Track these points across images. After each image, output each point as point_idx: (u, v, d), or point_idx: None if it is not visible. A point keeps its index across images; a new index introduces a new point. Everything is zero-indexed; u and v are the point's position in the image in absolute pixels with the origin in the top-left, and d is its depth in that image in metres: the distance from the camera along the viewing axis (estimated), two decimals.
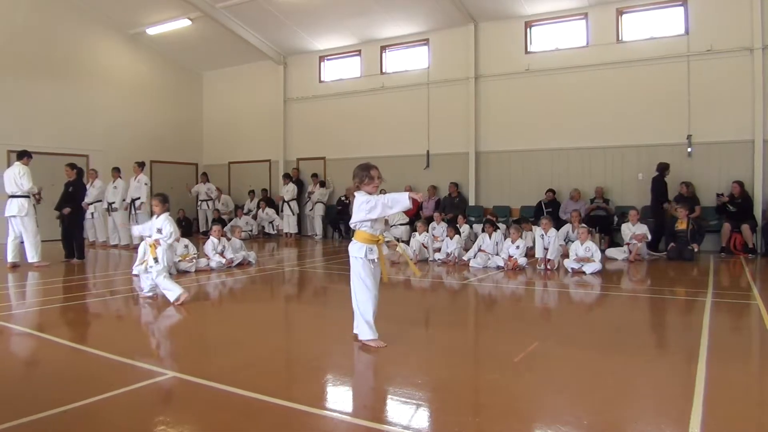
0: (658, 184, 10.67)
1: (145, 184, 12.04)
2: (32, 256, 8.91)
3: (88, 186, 12.23)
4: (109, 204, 12.45)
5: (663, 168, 10.67)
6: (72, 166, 10.07)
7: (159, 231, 5.80)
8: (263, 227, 15.46)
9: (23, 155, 9.17)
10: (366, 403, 3.06)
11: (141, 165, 12.26)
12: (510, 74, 12.85)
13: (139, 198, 11.96)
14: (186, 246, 8.46)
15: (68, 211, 9.74)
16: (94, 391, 3.10)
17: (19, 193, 8.93)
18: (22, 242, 9.00)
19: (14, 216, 8.93)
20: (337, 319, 5.43)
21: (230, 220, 14.98)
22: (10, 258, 8.86)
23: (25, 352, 4.26)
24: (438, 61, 13.82)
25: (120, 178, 12.49)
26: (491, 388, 3.28)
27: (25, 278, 7.96)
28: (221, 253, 8.65)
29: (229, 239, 9.07)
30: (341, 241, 14.03)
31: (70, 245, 9.78)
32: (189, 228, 14.87)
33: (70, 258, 9.68)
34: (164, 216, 5.84)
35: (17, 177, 8.89)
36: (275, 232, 15.17)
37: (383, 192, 4.53)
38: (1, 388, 3.28)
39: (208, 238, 9.08)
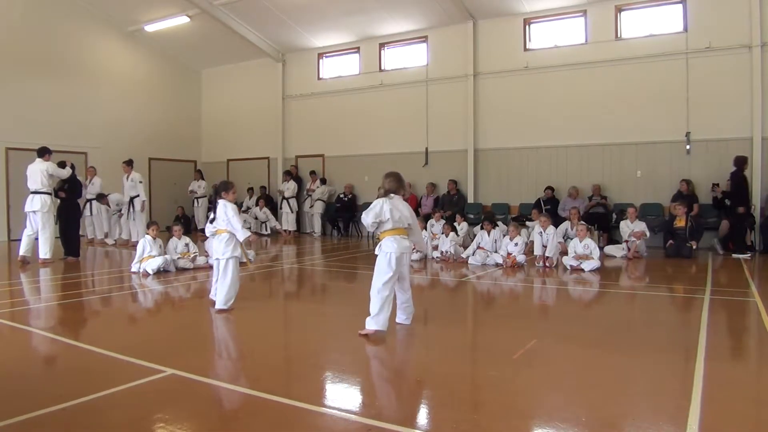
0: (739, 180, 9.82)
1: (140, 181, 11.77)
2: (45, 252, 8.94)
3: (87, 183, 12.26)
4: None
5: (742, 162, 9.79)
6: (63, 164, 10.04)
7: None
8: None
9: (44, 152, 9.22)
10: (365, 401, 3.06)
11: (129, 163, 11.97)
12: (509, 71, 12.84)
13: (138, 196, 11.68)
14: (186, 245, 8.45)
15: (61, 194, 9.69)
16: (93, 388, 3.10)
17: (42, 190, 9.01)
18: (37, 238, 9.03)
19: (35, 212, 8.99)
20: (337, 316, 5.44)
21: None
22: (22, 251, 8.90)
23: (24, 349, 4.26)
24: (437, 59, 13.81)
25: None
26: (490, 384, 3.29)
27: (30, 275, 7.96)
28: None
29: None
30: (340, 239, 14.04)
31: (67, 243, 9.78)
32: (188, 225, 14.86)
33: (69, 256, 9.67)
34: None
35: (44, 174, 9.00)
36: (268, 232, 15.03)
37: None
38: (1, 385, 3.28)
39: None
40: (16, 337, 4.54)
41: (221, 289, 5.24)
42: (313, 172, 15.24)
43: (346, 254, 10.66)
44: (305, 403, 2.90)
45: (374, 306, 4.26)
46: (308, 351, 4.10)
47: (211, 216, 5.37)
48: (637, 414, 2.78)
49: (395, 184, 4.57)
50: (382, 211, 4.40)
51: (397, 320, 4.62)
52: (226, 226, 5.27)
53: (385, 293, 4.27)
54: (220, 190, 5.43)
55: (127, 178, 11.86)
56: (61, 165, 9.80)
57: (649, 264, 8.96)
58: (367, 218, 4.43)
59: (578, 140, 12.10)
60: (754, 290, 6.25)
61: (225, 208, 5.27)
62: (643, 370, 3.51)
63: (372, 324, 4.25)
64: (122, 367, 3.55)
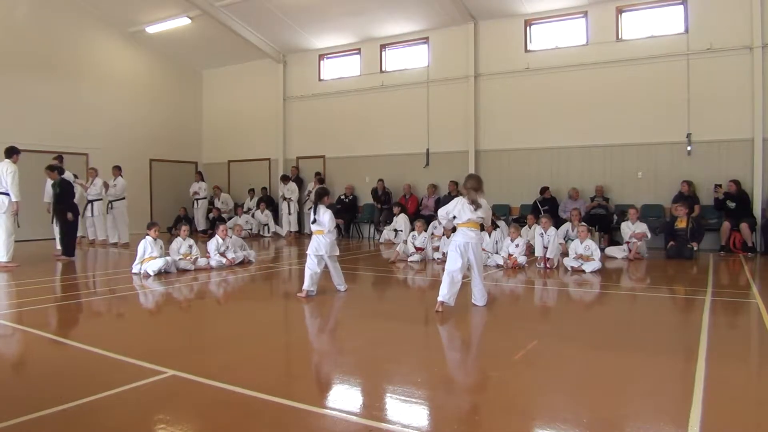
0: None
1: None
2: (2, 255, 8.57)
3: (88, 184, 12.31)
4: (110, 202, 12.49)
5: None
6: (51, 168, 10.00)
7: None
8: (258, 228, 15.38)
9: (11, 152, 8.82)
10: (365, 401, 3.06)
11: (118, 168, 12.77)
12: (510, 73, 12.84)
13: (123, 198, 12.55)
14: (190, 246, 8.45)
15: (70, 216, 9.72)
16: (94, 389, 3.10)
17: (1, 190, 8.64)
18: None
19: None
20: (337, 316, 5.44)
21: (230, 218, 15.02)
22: None
23: (24, 350, 4.26)
24: (438, 60, 13.81)
25: (121, 176, 12.75)
26: (491, 385, 3.29)
27: (30, 275, 7.94)
28: (222, 253, 8.65)
29: (230, 237, 9.09)
30: (341, 240, 14.03)
31: (63, 243, 9.78)
32: (190, 226, 14.85)
33: (63, 255, 9.66)
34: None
35: (4, 174, 8.57)
36: (269, 234, 14.96)
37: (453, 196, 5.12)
38: (1, 387, 3.28)
39: (212, 236, 9.12)
40: (16, 337, 4.54)
41: (340, 276, 6.35)
42: (317, 173, 15.20)
43: (347, 255, 10.65)
44: (306, 404, 2.90)
45: (442, 284, 5.17)
46: (309, 352, 4.10)
47: (312, 218, 6.10)
48: (639, 414, 2.78)
49: (477, 184, 5.32)
50: (454, 208, 5.29)
51: (473, 302, 5.46)
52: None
53: (448, 276, 5.16)
54: (323, 195, 6.18)
55: (113, 182, 12.63)
56: (51, 168, 9.93)
57: (650, 265, 8.94)
58: (442, 212, 5.44)
59: (579, 141, 12.09)
60: (755, 291, 6.24)
61: (325, 214, 6.06)
62: (645, 371, 3.51)
63: (439, 296, 5.15)
64: (123, 368, 3.55)
